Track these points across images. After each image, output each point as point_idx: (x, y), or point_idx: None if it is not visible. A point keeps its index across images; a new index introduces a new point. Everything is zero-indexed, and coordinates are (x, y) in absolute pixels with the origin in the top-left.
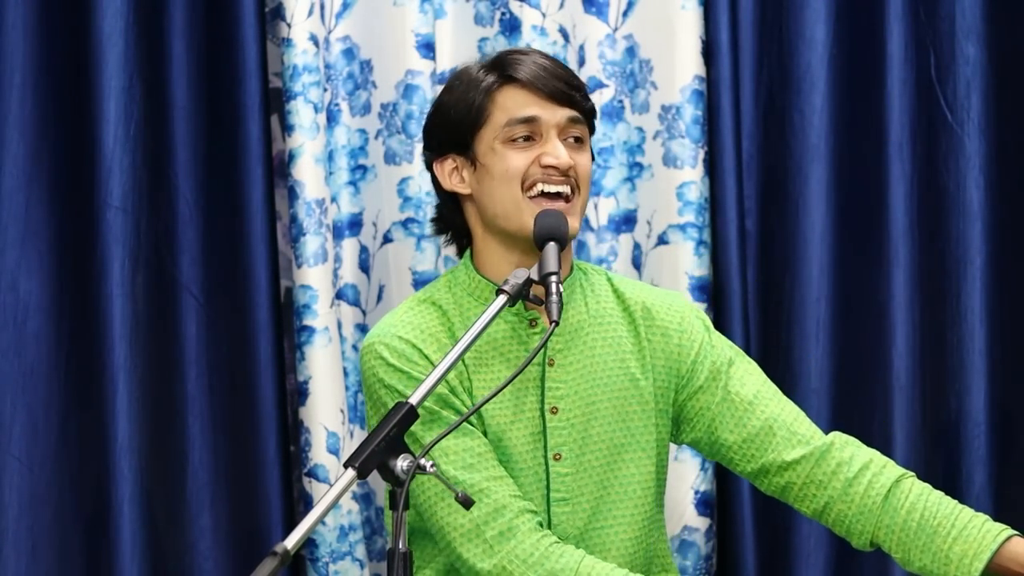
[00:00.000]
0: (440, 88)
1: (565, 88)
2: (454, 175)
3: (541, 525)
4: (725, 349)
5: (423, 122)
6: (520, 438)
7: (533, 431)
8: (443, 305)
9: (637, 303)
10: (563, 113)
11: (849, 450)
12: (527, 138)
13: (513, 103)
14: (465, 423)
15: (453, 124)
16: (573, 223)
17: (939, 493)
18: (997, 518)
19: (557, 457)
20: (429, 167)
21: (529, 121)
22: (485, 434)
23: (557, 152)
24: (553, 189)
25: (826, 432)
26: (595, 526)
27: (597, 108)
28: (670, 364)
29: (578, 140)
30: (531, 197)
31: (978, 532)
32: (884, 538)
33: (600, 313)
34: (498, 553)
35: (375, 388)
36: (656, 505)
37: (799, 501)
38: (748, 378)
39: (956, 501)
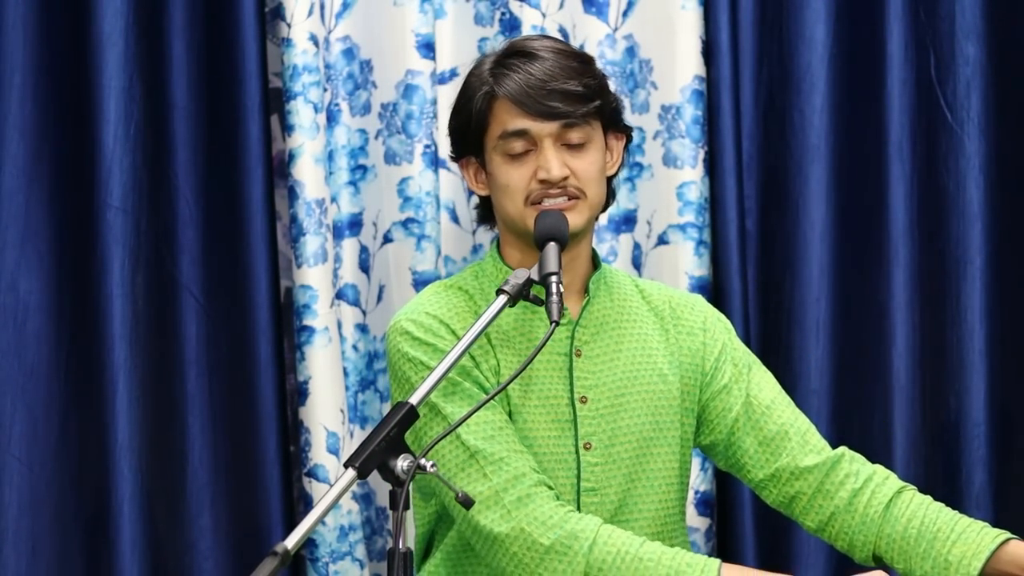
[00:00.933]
0: (440, 88)
1: (549, 103)
2: (474, 176)
3: (558, 498)
4: (745, 354)
5: (423, 122)
6: (546, 427)
7: (561, 420)
8: (469, 290)
9: (664, 302)
10: (552, 125)
11: (856, 464)
12: (524, 150)
13: (506, 115)
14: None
15: (464, 129)
16: (574, 219)
17: (939, 504)
18: (997, 518)
19: (587, 446)
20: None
21: (521, 134)
22: (510, 415)
23: (549, 166)
24: (551, 203)
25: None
26: (621, 518)
27: None
28: (695, 362)
29: (577, 144)
30: (535, 205)
31: (976, 535)
32: (886, 549)
33: (626, 309)
34: (516, 517)
35: (399, 365)
36: (679, 505)
37: (805, 513)
38: (765, 385)
39: (955, 511)
